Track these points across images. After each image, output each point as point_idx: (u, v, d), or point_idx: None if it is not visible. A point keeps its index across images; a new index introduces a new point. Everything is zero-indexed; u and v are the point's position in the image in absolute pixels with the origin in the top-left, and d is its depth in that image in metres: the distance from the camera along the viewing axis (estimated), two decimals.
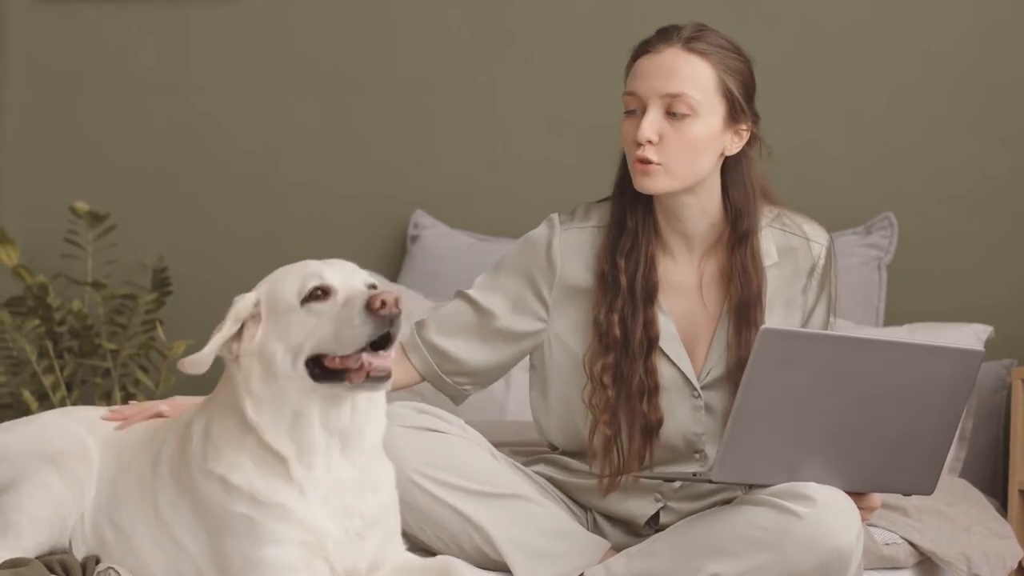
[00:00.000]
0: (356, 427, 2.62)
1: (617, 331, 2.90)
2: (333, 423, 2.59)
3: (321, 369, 2.56)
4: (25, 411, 4.15)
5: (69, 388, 4.27)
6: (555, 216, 3.02)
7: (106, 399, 4.27)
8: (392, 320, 2.50)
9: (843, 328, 3.86)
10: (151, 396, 4.27)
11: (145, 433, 2.77)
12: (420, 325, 3.02)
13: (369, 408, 2.63)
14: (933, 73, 4.23)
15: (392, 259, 4.40)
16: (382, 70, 4.43)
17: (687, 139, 2.84)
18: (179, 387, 4.28)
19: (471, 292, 3.01)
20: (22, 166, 4.56)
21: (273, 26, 4.48)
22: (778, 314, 2.97)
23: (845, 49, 4.26)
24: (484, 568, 2.90)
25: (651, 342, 2.92)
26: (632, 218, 2.94)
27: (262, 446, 2.58)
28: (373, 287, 2.59)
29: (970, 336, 3.89)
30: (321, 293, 2.56)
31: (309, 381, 2.55)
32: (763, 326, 2.59)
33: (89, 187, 4.50)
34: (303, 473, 2.58)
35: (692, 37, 2.87)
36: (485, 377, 3.05)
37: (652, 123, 2.84)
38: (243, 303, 2.61)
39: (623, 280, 2.92)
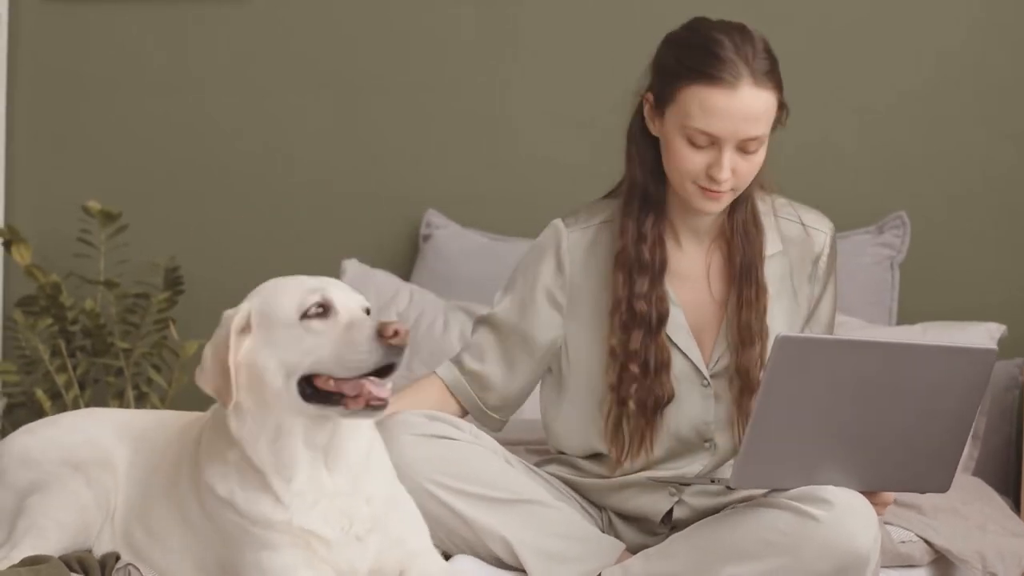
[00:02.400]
0: (338, 444, 2.59)
1: (635, 306, 2.91)
2: (315, 440, 2.56)
3: (312, 389, 2.52)
4: (38, 410, 4.16)
5: (82, 387, 4.28)
6: (558, 221, 3.03)
7: (119, 398, 4.28)
8: (400, 351, 2.47)
9: (855, 327, 3.87)
10: (164, 395, 4.27)
11: (176, 431, 2.77)
12: (458, 361, 3.05)
13: (352, 426, 2.60)
14: (945, 72, 4.23)
15: (404, 258, 4.40)
16: (394, 70, 4.44)
17: (755, 164, 2.85)
18: (191, 387, 4.28)
19: (496, 317, 3.03)
20: (34, 166, 4.56)
21: (284, 27, 4.49)
22: (784, 304, 2.98)
23: (856, 48, 4.26)
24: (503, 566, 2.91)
25: (660, 318, 2.92)
26: (647, 204, 2.95)
27: (243, 462, 2.57)
28: (368, 311, 2.56)
29: (983, 335, 3.89)
30: (321, 311, 2.53)
31: (298, 400, 2.52)
32: (780, 334, 2.59)
33: (101, 187, 4.50)
34: (282, 486, 2.56)
35: (764, 70, 2.82)
36: (521, 399, 3.07)
37: (730, 163, 2.82)
38: (238, 317, 2.56)
39: (643, 255, 2.92)
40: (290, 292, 2.55)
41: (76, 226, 4.36)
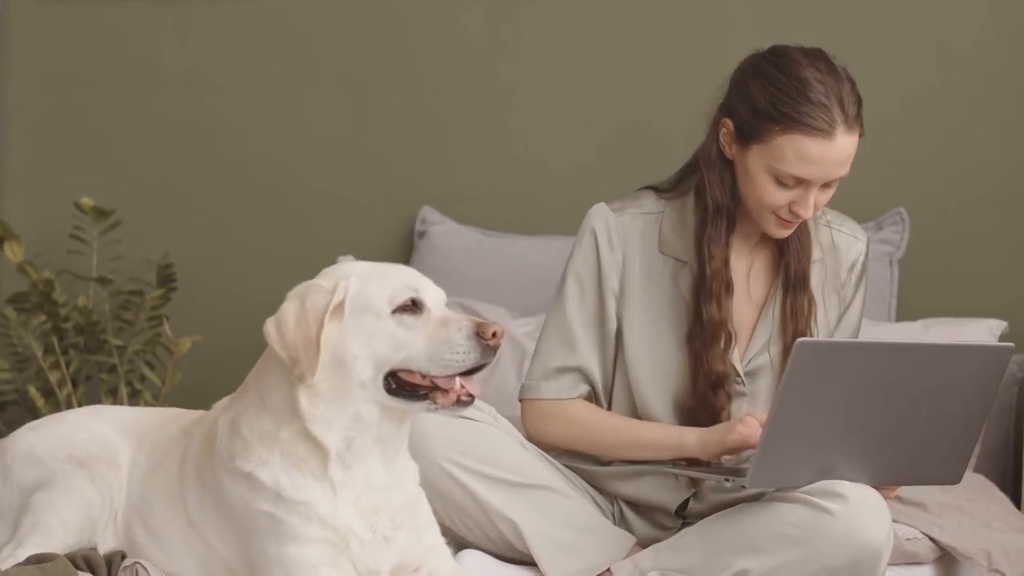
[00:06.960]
0: (401, 437, 2.60)
1: (705, 314, 2.91)
2: (385, 432, 2.56)
3: (398, 383, 2.52)
4: (31, 408, 4.13)
5: (75, 384, 4.25)
6: (602, 204, 3.01)
7: (112, 395, 4.25)
8: (494, 352, 2.48)
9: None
10: (158, 392, 4.25)
11: (178, 430, 2.74)
12: (559, 370, 3.00)
13: (416, 420, 2.62)
14: (946, 68, 4.23)
15: (399, 255, 4.38)
16: (391, 67, 4.42)
17: (831, 194, 2.88)
18: (185, 384, 4.27)
19: (570, 307, 2.99)
20: (27, 162, 4.54)
21: (281, 23, 4.47)
22: (819, 309, 2.98)
23: (858, 44, 4.24)
24: (510, 558, 2.92)
25: (728, 338, 2.92)
26: (731, 225, 2.94)
27: (298, 441, 2.55)
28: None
29: (983, 331, 3.89)
30: (412, 305, 2.52)
31: (383, 393, 2.51)
32: (798, 339, 2.60)
33: (94, 183, 4.47)
34: (339, 473, 2.55)
35: (855, 113, 2.83)
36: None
37: (814, 200, 2.84)
38: (335, 296, 2.51)
39: (731, 282, 2.93)
40: (383, 283, 2.53)
41: (69, 223, 4.33)
